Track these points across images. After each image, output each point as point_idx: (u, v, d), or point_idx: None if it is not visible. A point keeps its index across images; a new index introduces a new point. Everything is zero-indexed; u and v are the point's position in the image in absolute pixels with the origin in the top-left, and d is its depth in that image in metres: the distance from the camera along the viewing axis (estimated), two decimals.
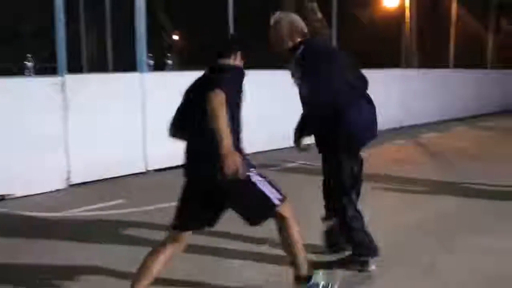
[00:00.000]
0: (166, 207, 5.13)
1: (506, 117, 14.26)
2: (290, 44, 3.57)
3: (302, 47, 3.54)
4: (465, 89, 13.88)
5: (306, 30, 3.63)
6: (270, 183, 2.96)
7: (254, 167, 2.94)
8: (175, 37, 16.33)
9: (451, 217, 4.94)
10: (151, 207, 5.16)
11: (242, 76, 2.94)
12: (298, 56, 3.52)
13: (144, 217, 4.88)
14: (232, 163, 2.63)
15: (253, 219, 2.98)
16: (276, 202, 2.90)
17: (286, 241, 3.01)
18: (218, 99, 2.64)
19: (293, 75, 3.57)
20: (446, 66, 13.40)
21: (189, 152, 3.00)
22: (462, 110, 13.67)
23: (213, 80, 2.81)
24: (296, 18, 3.67)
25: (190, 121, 2.96)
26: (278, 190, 2.95)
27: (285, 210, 2.95)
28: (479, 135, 11.09)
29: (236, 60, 3.07)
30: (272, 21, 3.64)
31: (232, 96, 2.77)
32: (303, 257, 3.05)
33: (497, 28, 16.29)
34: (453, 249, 4.05)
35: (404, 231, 4.47)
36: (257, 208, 2.94)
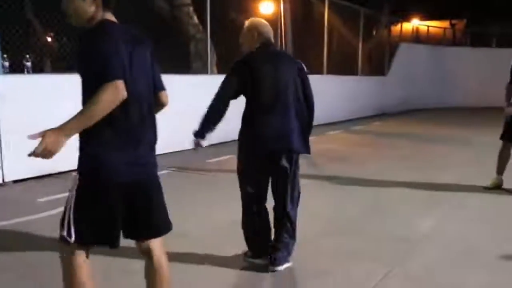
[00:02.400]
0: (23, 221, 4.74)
1: (377, 120, 15.19)
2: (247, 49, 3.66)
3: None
4: (338, 94, 14.48)
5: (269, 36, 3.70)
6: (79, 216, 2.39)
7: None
8: (48, 39, 15.41)
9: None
10: (8, 222, 4.69)
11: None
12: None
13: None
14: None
15: None
16: (63, 233, 2.40)
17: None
18: None
19: None
20: (320, 72, 13.89)
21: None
22: (335, 115, 14.26)
23: None
24: (262, 24, 3.70)
25: None
26: (70, 227, 2.38)
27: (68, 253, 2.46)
28: (350, 138, 11.61)
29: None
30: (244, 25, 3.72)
31: None
32: None
33: (367, 36, 17.25)
34: None
35: None
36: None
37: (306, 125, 3.69)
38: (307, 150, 3.70)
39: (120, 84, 2.24)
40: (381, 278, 3.59)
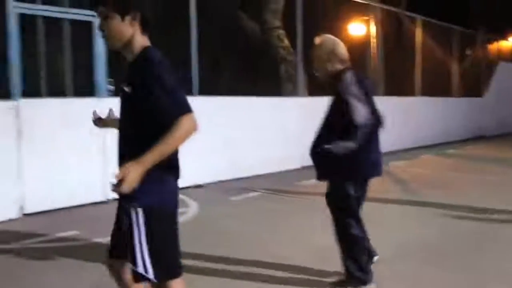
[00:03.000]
0: None
1: (471, 143, 14.50)
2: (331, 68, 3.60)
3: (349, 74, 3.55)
4: (431, 116, 14.03)
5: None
6: (154, 250, 2.33)
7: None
8: None
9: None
10: (106, 239, 4.91)
11: None
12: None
13: (98, 249, 4.63)
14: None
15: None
16: (140, 269, 2.33)
17: None
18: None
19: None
20: (412, 93, 13.54)
21: None
22: (429, 138, 13.80)
23: None
24: (339, 43, 3.67)
25: None
26: (153, 264, 2.32)
27: None
28: (444, 163, 11.15)
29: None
30: (316, 41, 3.67)
31: None
32: None
33: (462, 56, 16.63)
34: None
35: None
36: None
37: None
38: None
39: (194, 116, 2.24)
40: None
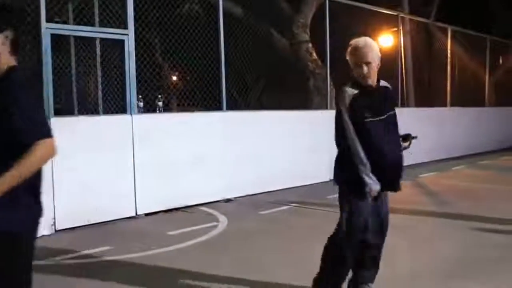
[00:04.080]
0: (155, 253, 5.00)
1: (506, 154, 14.18)
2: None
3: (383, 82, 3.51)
4: (462, 127, 13.79)
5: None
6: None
7: None
8: (174, 78, 16.38)
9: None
10: (137, 255, 4.98)
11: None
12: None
13: (130, 266, 4.69)
14: None
15: None
16: None
17: None
18: None
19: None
20: (443, 104, 13.36)
21: None
22: (461, 149, 13.57)
23: None
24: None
25: None
26: None
27: None
28: (476, 174, 10.92)
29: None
30: (359, 43, 3.40)
31: None
32: None
33: (494, 65, 16.34)
34: None
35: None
36: None
37: None
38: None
39: (53, 141, 2.26)
40: None
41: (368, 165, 3.27)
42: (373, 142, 3.31)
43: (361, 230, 3.42)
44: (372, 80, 3.41)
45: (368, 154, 3.28)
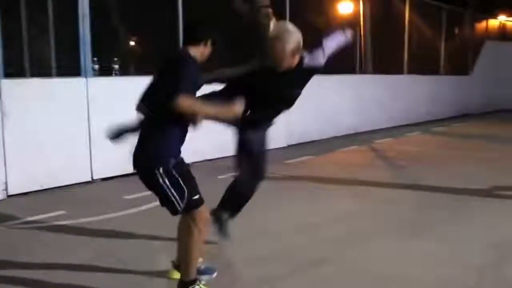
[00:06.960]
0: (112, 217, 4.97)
1: (458, 121, 14.63)
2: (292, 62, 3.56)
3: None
4: (419, 94, 14.09)
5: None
6: (178, 185, 3.00)
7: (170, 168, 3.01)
8: (132, 42, 15.99)
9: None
10: (90, 219, 4.93)
11: (197, 71, 2.96)
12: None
13: (84, 230, 4.65)
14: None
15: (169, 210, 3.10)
16: (178, 207, 3.00)
17: (184, 245, 3.07)
18: (186, 103, 2.76)
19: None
20: (400, 72, 13.57)
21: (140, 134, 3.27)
22: (417, 116, 13.89)
23: (172, 79, 2.81)
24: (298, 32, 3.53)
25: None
26: (182, 194, 2.99)
27: (196, 214, 3.03)
28: (429, 140, 11.25)
29: (200, 50, 3.05)
30: (277, 31, 3.54)
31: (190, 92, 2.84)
32: (194, 264, 3.06)
33: (450, 35, 16.62)
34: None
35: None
36: (166, 205, 3.09)
37: None
38: None
39: None
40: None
41: None
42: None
43: None
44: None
45: None
